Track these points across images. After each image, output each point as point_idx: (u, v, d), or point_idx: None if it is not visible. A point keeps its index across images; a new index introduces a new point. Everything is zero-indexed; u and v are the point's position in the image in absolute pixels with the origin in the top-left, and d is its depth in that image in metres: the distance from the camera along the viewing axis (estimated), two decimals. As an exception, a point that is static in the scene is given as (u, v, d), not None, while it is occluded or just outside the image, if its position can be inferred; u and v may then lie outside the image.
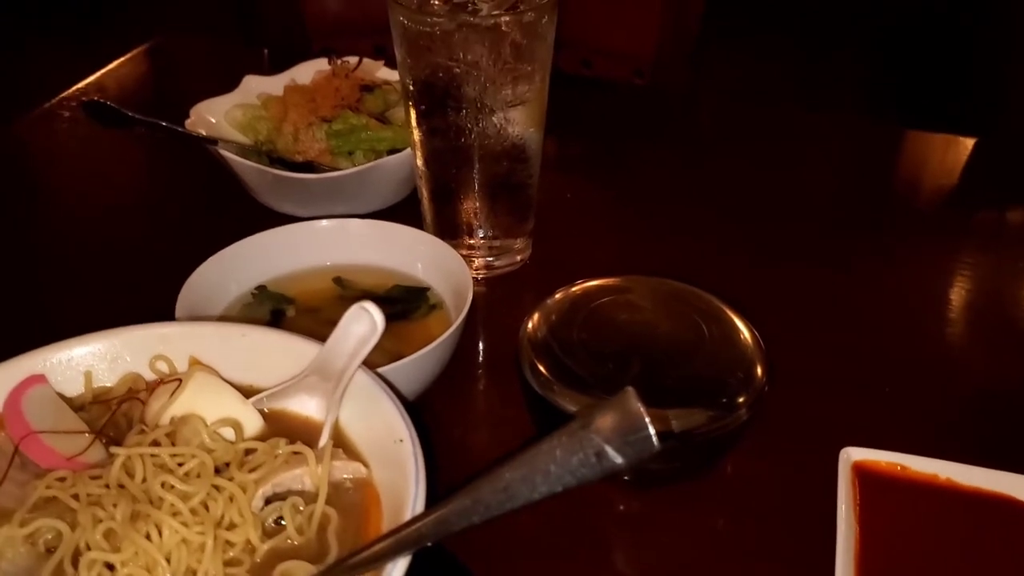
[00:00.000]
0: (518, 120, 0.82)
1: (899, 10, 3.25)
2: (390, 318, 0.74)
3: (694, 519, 0.67)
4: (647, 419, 0.42)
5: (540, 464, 0.44)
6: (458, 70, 0.77)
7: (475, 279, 0.90)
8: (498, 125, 0.81)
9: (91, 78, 1.26)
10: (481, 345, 0.84)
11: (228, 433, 0.56)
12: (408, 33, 0.78)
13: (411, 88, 0.81)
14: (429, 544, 0.46)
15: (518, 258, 0.92)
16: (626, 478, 0.69)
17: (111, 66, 1.30)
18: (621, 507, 0.68)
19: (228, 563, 0.50)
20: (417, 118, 0.83)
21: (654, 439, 0.42)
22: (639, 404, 0.42)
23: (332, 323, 0.73)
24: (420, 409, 0.73)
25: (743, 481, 0.70)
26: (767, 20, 3.45)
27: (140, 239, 0.97)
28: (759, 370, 0.68)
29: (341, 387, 0.55)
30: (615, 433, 0.42)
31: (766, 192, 1.05)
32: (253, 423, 0.58)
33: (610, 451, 0.43)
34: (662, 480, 0.69)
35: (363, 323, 0.53)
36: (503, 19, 0.76)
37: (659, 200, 1.04)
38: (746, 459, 0.71)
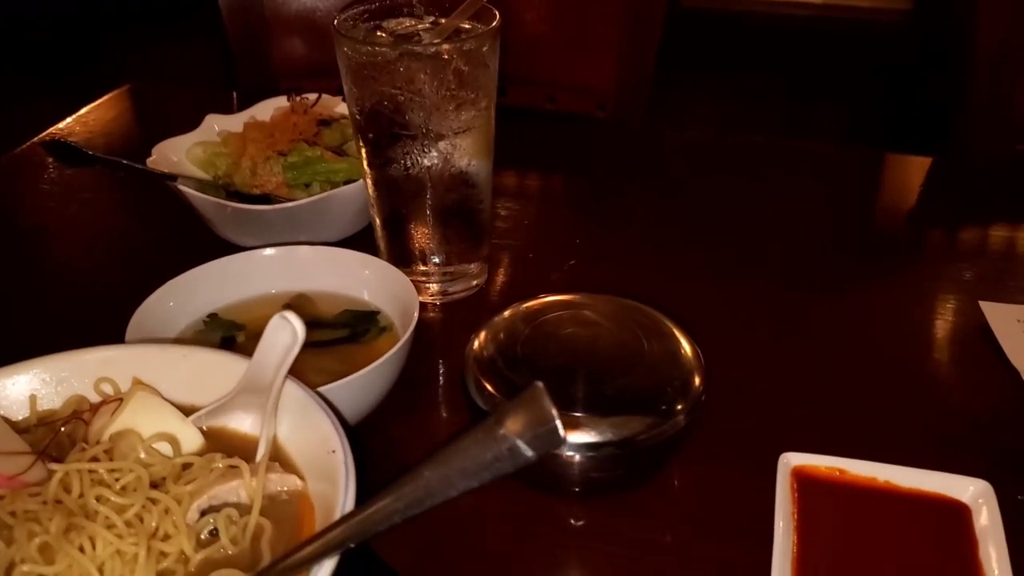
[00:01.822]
0: (465, 147, 0.84)
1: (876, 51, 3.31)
2: (340, 342, 0.77)
3: (638, 528, 0.68)
4: (554, 413, 0.43)
5: (457, 462, 0.45)
6: (402, 98, 0.80)
7: (432, 305, 0.92)
8: (445, 152, 0.83)
9: (62, 124, 1.29)
10: (439, 368, 0.85)
11: (165, 448, 0.57)
12: (353, 63, 0.80)
13: (358, 117, 0.83)
14: (353, 545, 0.47)
15: (474, 283, 0.93)
16: (576, 489, 0.70)
17: (82, 111, 1.33)
18: (567, 518, 0.69)
19: (162, 573, 0.51)
20: (366, 147, 0.85)
21: (560, 432, 0.43)
22: (547, 399, 0.43)
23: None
24: (372, 432, 0.75)
25: (687, 489, 0.71)
26: (750, 61, 3.51)
27: (95, 270, 0.99)
28: (697, 379, 0.70)
29: (272, 400, 0.56)
30: (525, 428, 0.44)
31: (723, 217, 1.07)
32: (193, 440, 0.59)
33: (521, 445, 0.44)
34: (606, 489, 0.70)
35: (285, 332, 0.55)
36: (444, 47, 0.79)
37: (617, 226, 1.07)
38: (690, 468, 0.72)
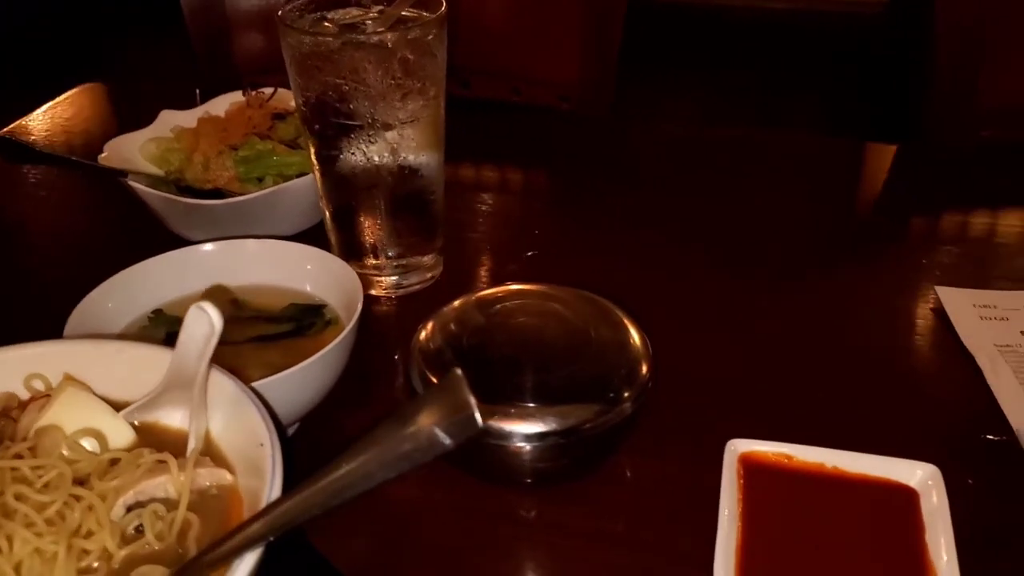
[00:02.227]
0: (414, 137, 0.83)
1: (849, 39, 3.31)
2: (285, 336, 0.76)
3: (587, 518, 0.67)
4: (471, 400, 0.42)
5: (375, 452, 0.44)
6: (347, 88, 0.79)
7: (386, 298, 0.91)
8: (393, 143, 0.82)
9: (16, 122, 1.27)
10: (394, 361, 0.84)
11: (92, 444, 0.56)
12: (297, 54, 0.79)
13: (304, 109, 0.82)
14: (273, 539, 0.46)
15: (428, 275, 0.92)
16: (528, 480, 0.69)
17: (41, 109, 1.32)
18: (517, 509, 0.68)
19: (84, 571, 0.50)
20: (313, 139, 0.84)
21: (478, 419, 0.42)
22: (464, 386, 0.42)
23: (226, 343, 0.74)
24: (326, 425, 0.74)
25: (636, 477, 0.70)
26: (727, 56, 3.51)
27: (41, 269, 0.98)
28: (644, 367, 0.69)
29: (198, 392, 0.55)
30: (443, 416, 0.43)
31: (683, 206, 1.07)
32: (123, 435, 0.58)
33: (439, 433, 0.43)
34: (555, 479, 0.69)
35: (203, 323, 0.53)
36: (388, 36, 0.78)
37: (576, 217, 1.06)
38: (639, 455, 0.71)
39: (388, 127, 0.81)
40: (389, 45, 0.78)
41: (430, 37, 0.80)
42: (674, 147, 1.21)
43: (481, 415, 0.42)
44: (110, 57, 3.51)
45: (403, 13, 0.83)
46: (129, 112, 1.30)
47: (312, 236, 0.95)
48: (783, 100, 3.39)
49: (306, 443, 0.73)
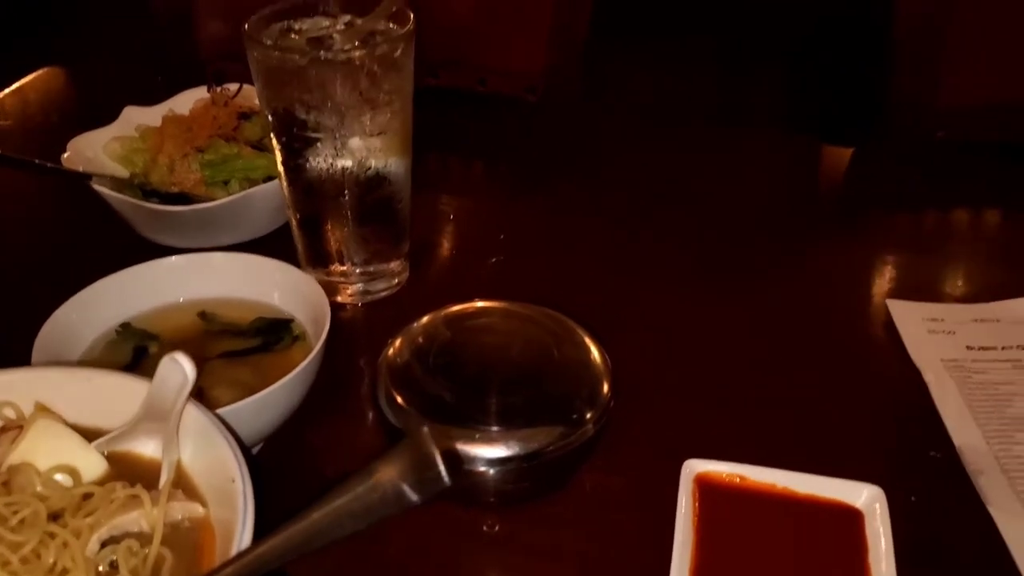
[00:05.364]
0: (381, 148, 0.84)
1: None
2: (253, 351, 0.77)
3: (546, 537, 0.69)
4: (438, 458, 0.44)
5: (344, 504, 0.46)
6: (315, 103, 0.79)
7: (353, 305, 0.92)
8: (361, 154, 0.83)
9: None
10: (361, 371, 0.85)
11: (64, 478, 0.57)
12: (263, 68, 0.80)
13: (271, 119, 0.82)
14: (246, 583, 0.48)
15: (395, 281, 0.94)
16: (491, 500, 0.71)
17: (-1, 96, 1.30)
18: (479, 527, 0.70)
19: (59, 609, 0.51)
20: (280, 149, 0.84)
21: (444, 477, 0.44)
22: (431, 444, 0.44)
23: (196, 358, 0.75)
24: (292, 440, 0.75)
25: (598, 497, 0.72)
26: (688, 24, 3.49)
27: (3, 277, 0.97)
28: (605, 387, 0.71)
29: (172, 429, 0.56)
30: (410, 472, 0.45)
31: (645, 211, 1.08)
32: (95, 467, 0.59)
33: (406, 489, 0.45)
34: (519, 498, 0.71)
35: (176, 374, 0.55)
36: (356, 54, 0.78)
37: (542, 219, 1.07)
38: (600, 473, 0.73)
39: (355, 139, 0.82)
40: (357, 62, 0.78)
41: (398, 53, 0.80)
42: (636, 143, 1.21)
43: (448, 472, 0.44)
44: (71, 32, 3.40)
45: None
46: (90, 102, 1.29)
47: (279, 238, 0.96)
48: (742, 76, 3.38)
49: (274, 460, 0.74)
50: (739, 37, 3.47)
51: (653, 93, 2.90)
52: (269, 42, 0.80)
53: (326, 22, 0.85)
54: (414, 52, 0.83)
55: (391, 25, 0.83)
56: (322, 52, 0.78)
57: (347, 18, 0.85)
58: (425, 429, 0.45)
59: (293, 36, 0.83)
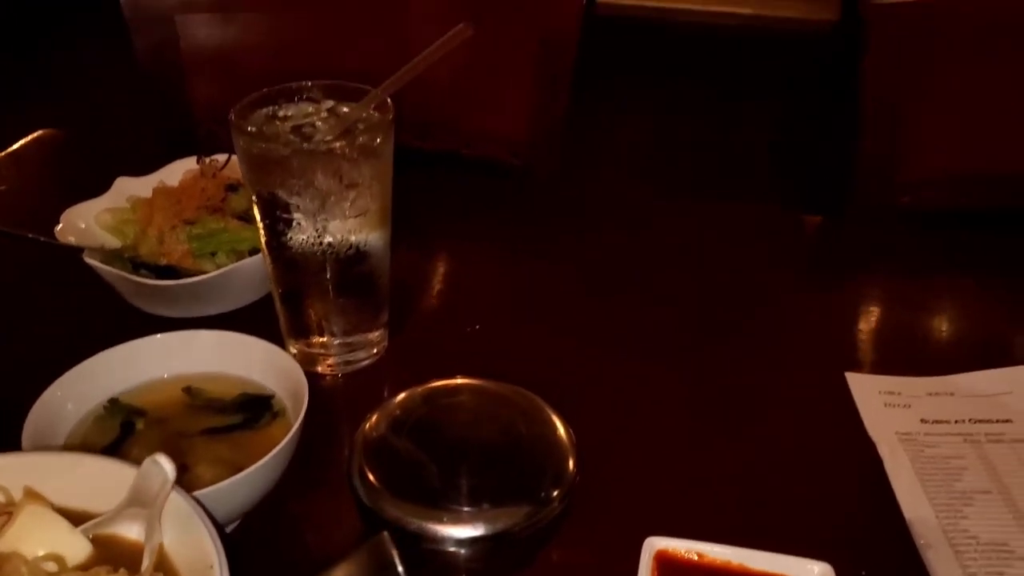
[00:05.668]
0: (360, 227, 0.88)
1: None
2: (235, 428, 0.80)
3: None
4: (396, 561, 0.47)
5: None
6: (297, 189, 0.83)
7: (333, 375, 0.95)
8: (341, 234, 0.87)
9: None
10: (341, 440, 0.87)
11: (50, 567, 0.60)
12: (248, 154, 0.84)
13: (255, 200, 0.86)
14: (220, 673, 0.51)
15: (375, 350, 0.97)
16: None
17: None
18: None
19: None
20: (264, 229, 0.88)
21: (402, 580, 0.47)
22: (391, 549, 0.48)
23: (180, 434, 0.78)
24: (271, 511, 0.78)
25: (564, 573, 0.76)
26: (676, 71, 3.56)
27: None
28: (571, 465, 0.75)
29: (155, 514, 0.59)
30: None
31: (626, 281, 1.11)
32: (81, 551, 0.62)
33: (368, 589, 0.48)
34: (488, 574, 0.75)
35: (158, 474, 0.58)
36: (337, 144, 0.82)
37: (521, 289, 1.11)
38: (567, 545, 0.76)
39: (336, 221, 0.86)
40: (338, 151, 0.82)
41: (378, 141, 0.84)
42: (610, 216, 1.25)
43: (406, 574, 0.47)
44: (70, 96, 3.42)
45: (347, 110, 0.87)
46: (85, 169, 1.32)
47: (263, 308, 1.00)
48: (730, 118, 3.45)
49: (253, 533, 0.77)
50: (727, 85, 3.54)
51: (632, 145, 2.96)
52: (254, 130, 0.84)
53: (310, 108, 0.89)
54: (394, 137, 0.87)
55: (372, 111, 0.87)
56: (304, 144, 0.82)
57: (330, 104, 0.90)
58: (385, 534, 0.48)
59: (277, 123, 0.87)
